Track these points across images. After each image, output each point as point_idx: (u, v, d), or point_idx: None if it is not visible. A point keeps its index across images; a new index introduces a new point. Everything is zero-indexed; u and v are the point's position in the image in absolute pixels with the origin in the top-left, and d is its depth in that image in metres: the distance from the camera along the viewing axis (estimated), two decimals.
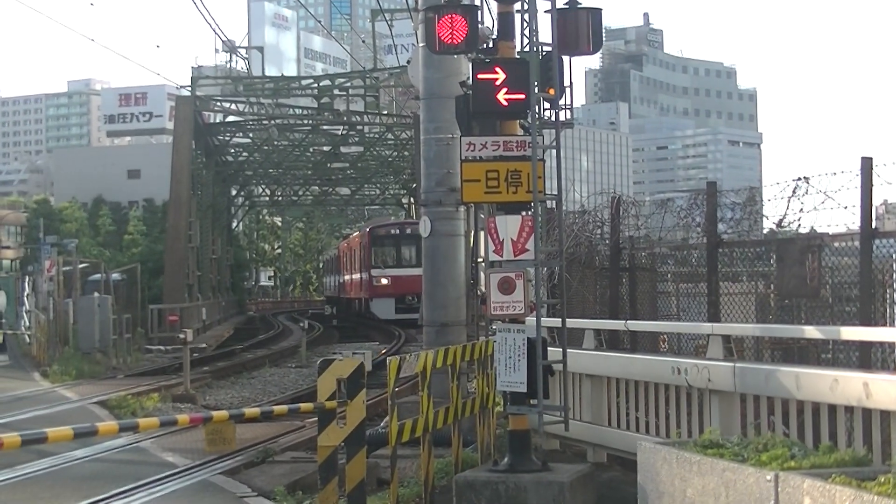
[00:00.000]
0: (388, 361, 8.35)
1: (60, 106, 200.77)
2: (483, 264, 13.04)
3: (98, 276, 34.03)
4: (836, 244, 9.84)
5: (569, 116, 9.08)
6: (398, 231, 43.41)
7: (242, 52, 66.60)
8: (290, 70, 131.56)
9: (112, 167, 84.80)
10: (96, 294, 29.76)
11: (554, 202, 9.49)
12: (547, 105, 8.94)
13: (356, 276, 48.61)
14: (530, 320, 8.86)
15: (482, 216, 14.66)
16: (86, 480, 10.69)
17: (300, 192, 66.73)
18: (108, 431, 6.99)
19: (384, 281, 42.05)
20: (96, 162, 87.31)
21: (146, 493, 10.05)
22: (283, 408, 9.01)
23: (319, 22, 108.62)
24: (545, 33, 8.79)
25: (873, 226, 9.06)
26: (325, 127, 48.90)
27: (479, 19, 8.92)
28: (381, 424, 12.44)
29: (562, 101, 8.90)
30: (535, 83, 8.66)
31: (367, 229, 44.76)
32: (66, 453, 11.89)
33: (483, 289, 12.73)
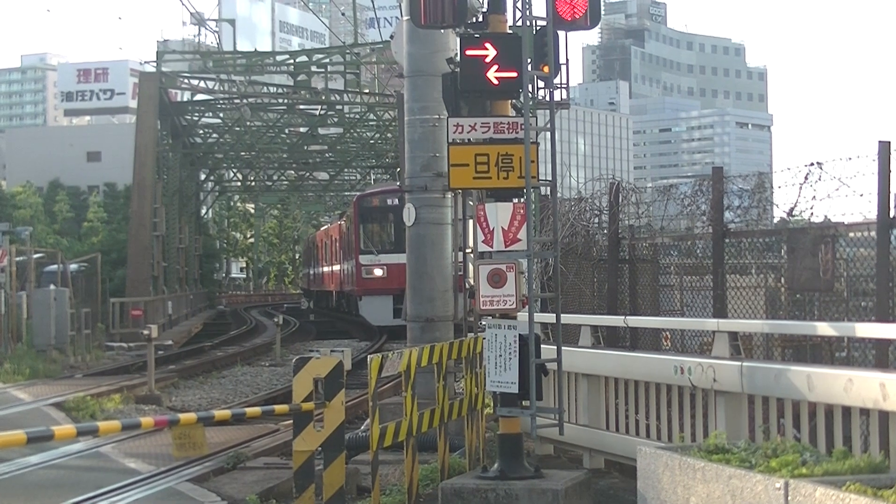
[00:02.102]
0: (368, 360, 8.35)
1: (13, 82, 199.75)
2: (472, 255, 13.05)
3: (55, 266, 33.95)
4: (852, 234, 9.87)
5: (565, 96, 9.11)
6: (396, 200, 32.79)
7: (212, 24, 66.41)
8: (264, 45, 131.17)
9: (70, 148, 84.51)
10: (52, 286, 29.69)
11: (548, 188, 9.48)
12: (541, 84, 8.95)
13: (340, 265, 42.56)
14: (522, 316, 8.87)
15: (471, 203, 14.69)
16: (40, 489, 10.66)
17: (275, 177, 66.64)
18: (65, 435, 6.97)
19: (378, 272, 33.65)
20: (53, 143, 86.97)
21: (107, 501, 10.03)
22: (256, 409, 9.00)
23: None
24: (539, 6, 8.79)
25: (891, 214, 9.09)
26: (301, 106, 48.80)
27: None
28: (362, 428, 12.46)
29: (557, 80, 8.92)
30: (529, 60, 8.65)
31: (356, 198, 37.12)
32: (19, 459, 11.87)
33: (472, 281, 12.74)
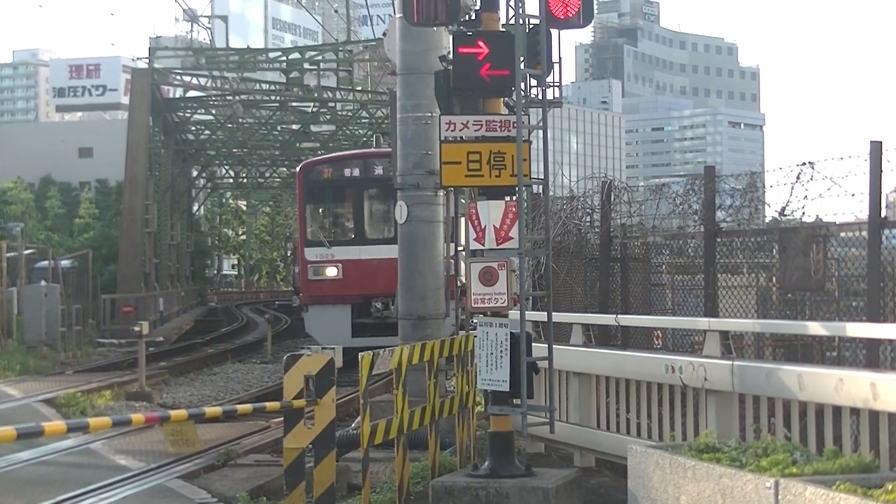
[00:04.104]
0: (360, 357, 8.34)
1: (5, 77, 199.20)
2: (464, 253, 13.04)
3: (46, 262, 33.82)
4: (843, 234, 9.89)
5: (557, 95, 9.08)
6: (358, 171, 25.28)
7: (205, 21, 66.32)
8: (257, 41, 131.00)
9: (62, 144, 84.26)
10: (43, 282, 29.62)
11: (540, 187, 9.48)
12: (533, 82, 8.94)
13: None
14: (514, 314, 8.87)
15: (463, 201, 14.67)
16: (30, 485, 10.64)
17: (267, 174, 66.55)
18: (56, 432, 6.96)
19: (330, 271, 24.14)
20: (44, 139, 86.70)
21: (96, 498, 10.01)
22: (247, 406, 8.99)
23: None
24: (532, 4, 8.79)
25: (883, 215, 9.10)
26: (294, 104, 48.76)
27: None
28: (353, 425, 12.44)
29: (550, 78, 8.90)
30: (521, 58, 8.65)
31: (300, 168, 26.97)
32: (9, 455, 11.83)
33: (464, 279, 12.74)
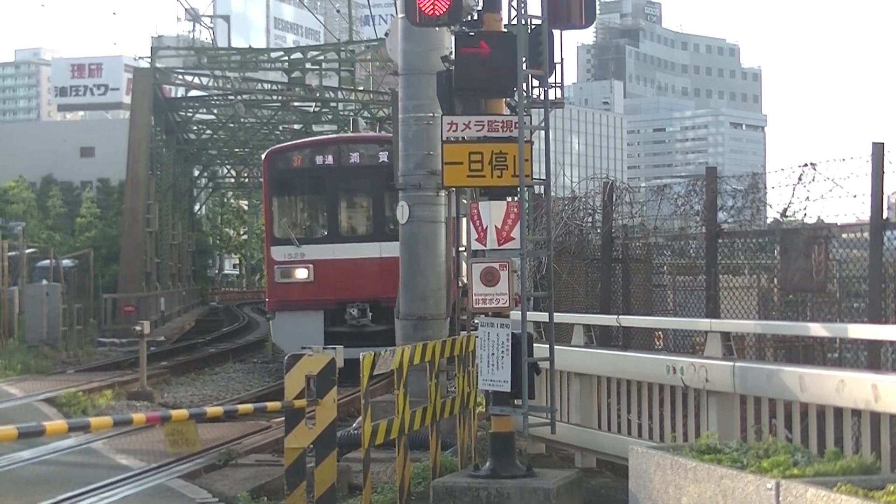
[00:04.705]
0: (361, 357, 8.34)
1: (7, 77, 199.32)
2: (465, 253, 13.05)
3: (47, 262, 33.86)
4: (845, 235, 9.88)
5: (559, 95, 9.08)
6: (332, 158, 22.60)
7: (207, 20, 66.35)
8: (259, 41, 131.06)
9: (63, 144, 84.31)
10: (45, 282, 29.65)
11: (542, 187, 9.49)
12: (535, 83, 8.94)
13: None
14: (515, 314, 8.87)
15: (464, 201, 14.67)
16: (31, 484, 10.64)
17: None
18: (57, 431, 6.95)
19: (300, 273, 21.82)
20: (46, 138, 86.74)
21: (97, 497, 10.02)
22: (248, 406, 8.99)
23: None
24: (534, 5, 8.79)
25: (885, 216, 9.10)
26: (295, 103, 48.74)
27: None
28: (354, 425, 12.44)
29: (552, 79, 8.90)
30: (524, 59, 8.65)
31: (266, 155, 23.99)
32: (10, 455, 11.84)
33: (465, 280, 12.73)
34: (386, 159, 21.46)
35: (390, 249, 19.92)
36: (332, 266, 21.65)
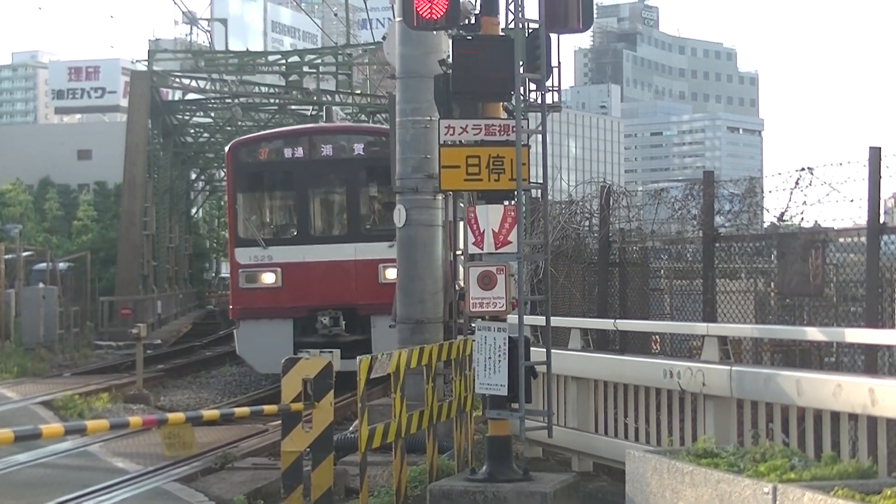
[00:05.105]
0: (358, 361, 8.33)
1: (4, 79, 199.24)
2: (462, 257, 13.04)
3: (44, 264, 33.83)
4: (842, 240, 9.90)
5: (556, 99, 9.11)
6: (302, 151, 20.60)
7: (204, 24, 66.33)
8: (256, 44, 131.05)
9: (60, 146, 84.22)
10: (42, 284, 29.62)
11: (539, 191, 9.49)
12: (533, 86, 8.94)
13: None
14: (512, 318, 8.86)
15: (462, 205, 14.66)
16: (28, 487, 10.63)
17: None
18: (53, 434, 6.95)
19: (267, 278, 19.92)
20: (43, 140, 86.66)
21: (94, 500, 10.01)
22: (245, 410, 8.98)
23: None
24: (532, 9, 8.80)
25: (881, 220, 9.11)
26: (293, 107, 48.74)
27: None
28: (351, 429, 12.44)
29: (549, 83, 8.91)
30: (521, 63, 8.65)
31: (230, 147, 22.18)
32: (7, 458, 11.83)
33: (462, 283, 12.73)
34: (362, 152, 20.53)
35: (367, 251, 19.53)
36: (302, 269, 19.80)
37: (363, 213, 20.90)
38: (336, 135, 21.27)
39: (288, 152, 20.71)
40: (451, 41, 9.07)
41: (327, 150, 20.54)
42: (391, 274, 18.03)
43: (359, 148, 20.59)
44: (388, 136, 20.70)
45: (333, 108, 28.15)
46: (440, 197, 14.05)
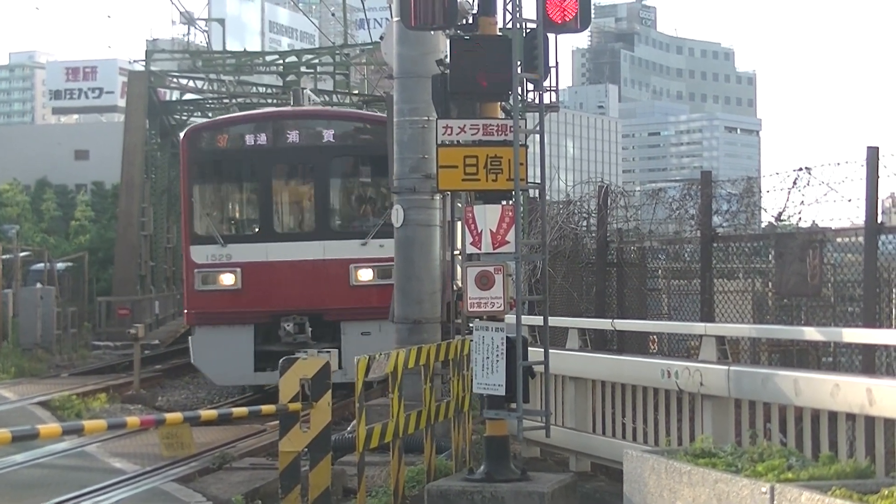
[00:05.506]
0: (355, 361, 8.33)
1: (1, 80, 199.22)
2: (460, 257, 13.04)
3: (41, 265, 33.82)
4: (839, 239, 9.90)
5: (554, 99, 9.12)
6: (265, 138, 18.67)
7: (202, 24, 66.29)
8: (254, 45, 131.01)
9: (58, 147, 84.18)
10: (39, 285, 29.59)
11: (537, 191, 9.49)
12: (530, 86, 8.94)
13: None
14: (510, 318, 8.86)
15: (459, 205, 14.66)
16: (25, 488, 10.62)
17: None
18: (51, 434, 6.95)
19: (226, 279, 18.09)
20: (40, 141, 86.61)
21: (91, 501, 10.00)
22: (243, 410, 8.97)
23: None
24: (529, 9, 8.79)
25: (879, 220, 9.12)
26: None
27: None
28: (348, 429, 12.43)
29: (547, 83, 8.91)
30: (518, 62, 8.65)
31: (185, 133, 20.12)
32: (4, 458, 11.81)
33: (460, 283, 12.73)
34: (332, 139, 18.45)
35: (337, 250, 17.89)
36: (264, 270, 17.92)
37: (334, 207, 18.84)
38: (304, 120, 18.99)
39: (250, 139, 18.66)
40: (448, 41, 9.07)
41: (294, 136, 18.52)
42: (364, 275, 17.35)
43: (329, 135, 18.50)
44: (365, 121, 19.55)
45: (306, 90, 24.75)
46: (438, 197, 14.04)
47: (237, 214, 19.93)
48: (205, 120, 22.79)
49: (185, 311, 18.74)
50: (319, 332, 17.60)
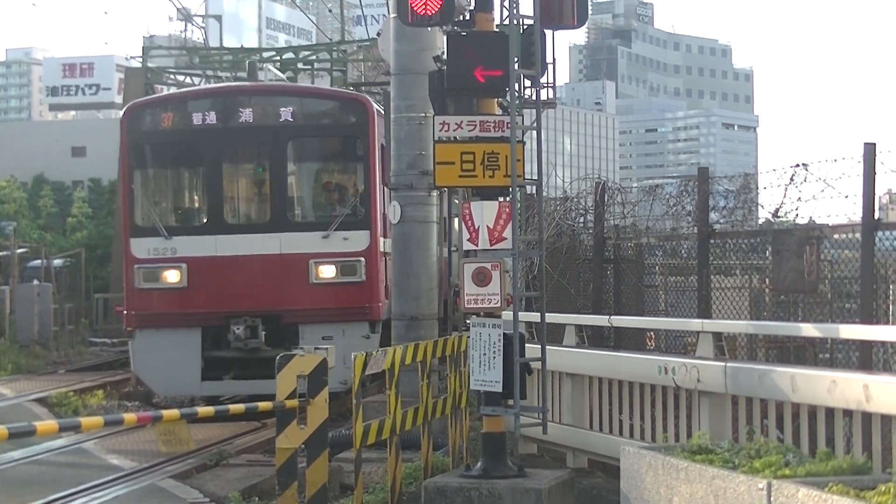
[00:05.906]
0: (352, 357, 8.33)
1: None
2: (457, 253, 13.04)
3: (38, 261, 33.80)
4: (837, 236, 9.90)
5: (551, 95, 9.12)
6: (215, 116, 16.58)
7: (199, 20, 66.15)
8: (251, 41, 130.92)
9: (55, 143, 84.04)
10: (36, 281, 29.56)
11: (534, 187, 9.50)
12: (527, 83, 8.94)
13: None
14: (507, 314, 8.86)
15: (456, 201, 14.66)
16: (22, 485, 10.61)
17: None
18: (48, 431, 6.93)
19: (169, 277, 16.21)
20: (37, 137, 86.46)
21: (88, 497, 10.00)
22: (240, 406, 8.96)
23: None
24: (526, 5, 8.79)
25: (876, 216, 9.11)
26: None
27: None
28: (346, 426, 12.43)
29: (544, 79, 8.92)
30: (515, 59, 8.64)
31: (125, 110, 17.90)
32: (1, 455, 11.81)
33: (457, 280, 12.73)
34: (290, 118, 16.23)
35: (295, 244, 15.88)
36: (213, 266, 16.06)
37: (292, 195, 16.97)
38: (259, 96, 16.80)
39: (198, 118, 16.42)
40: (445, 37, 9.06)
41: (246, 115, 16.38)
42: (326, 272, 15.71)
43: (286, 113, 16.30)
44: (334, 99, 17.04)
45: (266, 65, 22.13)
46: (435, 193, 14.04)
47: (183, 203, 17.91)
48: (147, 97, 20.48)
49: (125, 311, 16.58)
50: (275, 336, 15.67)
